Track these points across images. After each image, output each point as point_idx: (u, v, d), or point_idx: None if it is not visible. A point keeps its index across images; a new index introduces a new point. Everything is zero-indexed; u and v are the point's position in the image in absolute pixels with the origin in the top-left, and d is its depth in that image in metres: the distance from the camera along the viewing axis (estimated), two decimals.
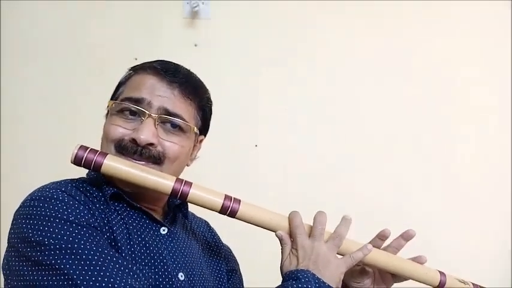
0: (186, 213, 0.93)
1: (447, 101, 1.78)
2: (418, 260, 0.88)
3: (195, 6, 1.74)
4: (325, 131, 1.77)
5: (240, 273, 1.00)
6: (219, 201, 0.77)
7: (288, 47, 1.79)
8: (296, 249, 0.77)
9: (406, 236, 0.88)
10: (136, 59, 1.67)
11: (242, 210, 0.78)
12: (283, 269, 0.78)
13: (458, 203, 1.73)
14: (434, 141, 1.77)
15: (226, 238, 1.03)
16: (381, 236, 0.88)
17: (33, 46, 1.76)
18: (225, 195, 0.79)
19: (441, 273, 0.87)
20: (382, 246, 0.88)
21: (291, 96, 1.78)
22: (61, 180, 0.78)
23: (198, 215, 1.02)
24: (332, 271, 0.75)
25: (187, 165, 0.90)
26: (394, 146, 1.76)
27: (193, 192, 0.77)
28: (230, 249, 1.02)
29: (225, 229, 1.03)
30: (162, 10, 1.78)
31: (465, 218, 1.72)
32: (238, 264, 1.01)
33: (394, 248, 0.88)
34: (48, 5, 1.78)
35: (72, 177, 0.82)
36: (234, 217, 0.79)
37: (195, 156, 0.92)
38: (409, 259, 0.87)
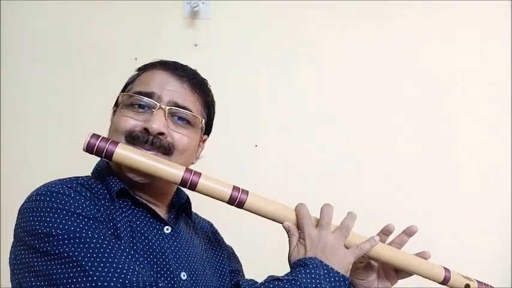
0: (189, 213, 0.93)
1: (447, 102, 1.79)
2: (422, 255, 0.88)
3: (195, 6, 1.74)
4: (325, 131, 1.77)
5: (243, 274, 1.00)
6: (227, 192, 0.78)
7: (288, 47, 1.79)
8: (304, 239, 0.78)
9: (409, 232, 0.89)
10: (136, 59, 1.68)
11: (250, 200, 0.79)
12: (291, 259, 0.79)
13: (458, 203, 1.73)
14: (434, 142, 1.77)
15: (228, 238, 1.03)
16: (385, 231, 0.88)
17: (33, 46, 1.76)
18: (233, 186, 0.79)
19: (446, 269, 0.87)
20: (386, 243, 0.88)
21: (291, 96, 1.78)
22: (66, 178, 0.79)
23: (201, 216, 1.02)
24: (340, 259, 0.76)
25: (193, 163, 0.91)
26: (395, 146, 1.76)
27: (203, 182, 0.77)
28: (233, 250, 1.03)
29: (228, 229, 1.03)
30: (162, 10, 1.78)
31: (465, 218, 1.72)
32: (241, 265, 1.02)
33: (397, 244, 0.89)
34: (48, 5, 1.78)
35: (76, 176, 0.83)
36: (241, 208, 0.79)
37: (199, 155, 0.93)
38: (413, 254, 0.88)
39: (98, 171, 0.85)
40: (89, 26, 1.77)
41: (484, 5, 1.79)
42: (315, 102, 1.78)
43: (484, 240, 1.70)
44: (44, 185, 0.75)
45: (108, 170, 0.83)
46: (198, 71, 0.91)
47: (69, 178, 0.79)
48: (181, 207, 0.91)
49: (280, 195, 1.70)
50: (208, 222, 1.03)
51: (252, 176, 1.73)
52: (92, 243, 0.67)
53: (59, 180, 0.78)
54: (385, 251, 0.84)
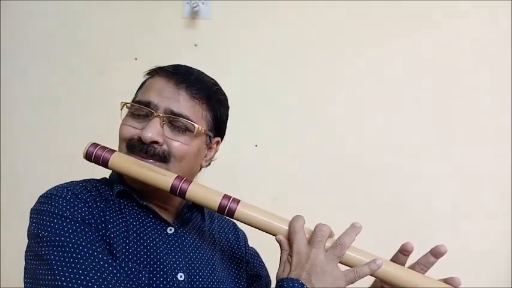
0: (202, 214, 0.93)
1: (447, 103, 1.78)
2: (451, 281, 0.75)
3: (195, 6, 1.74)
4: (325, 131, 1.77)
5: (267, 279, 0.98)
6: (216, 200, 0.78)
7: (288, 47, 1.79)
8: (291, 256, 0.72)
9: (436, 253, 0.77)
10: (136, 59, 1.67)
11: (240, 210, 0.77)
12: (277, 276, 0.74)
13: (458, 202, 1.73)
14: (434, 142, 1.76)
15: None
16: (403, 251, 0.78)
17: (33, 46, 1.76)
18: (224, 194, 0.79)
19: None
20: (408, 264, 0.79)
21: (291, 96, 1.78)
22: (77, 180, 0.83)
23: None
24: (326, 283, 0.68)
25: (202, 167, 0.91)
26: (395, 146, 1.76)
27: (192, 190, 0.78)
28: (257, 254, 1.01)
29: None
30: (162, 10, 1.78)
31: (465, 217, 1.72)
32: (265, 269, 1.00)
33: (422, 266, 0.77)
34: (48, 5, 1.78)
35: (80, 177, 0.86)
36: (232, 217, 0.79)
37: (211, 158, 0.93)
38: (440, 280, 0.76)
39: (113, 173, 0.88)
40: (88, 26, 1.77)
41: (484, 5, 1.78)
42: (315, 102, 1.78)
43: (484, 240, 1.70)
44: (51, 188, 0.79)
45: (119, 174, 0.85)
46: None
47: (79, 180, 0.83)
48: (189, 208, 0.90)
49: (280, 195, 1.71)
50: (232, 223, 1.01)
51: (252, 176, 1.73)
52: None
53: (67, 182, 0.81)
54: (398, 274, 0.73)
